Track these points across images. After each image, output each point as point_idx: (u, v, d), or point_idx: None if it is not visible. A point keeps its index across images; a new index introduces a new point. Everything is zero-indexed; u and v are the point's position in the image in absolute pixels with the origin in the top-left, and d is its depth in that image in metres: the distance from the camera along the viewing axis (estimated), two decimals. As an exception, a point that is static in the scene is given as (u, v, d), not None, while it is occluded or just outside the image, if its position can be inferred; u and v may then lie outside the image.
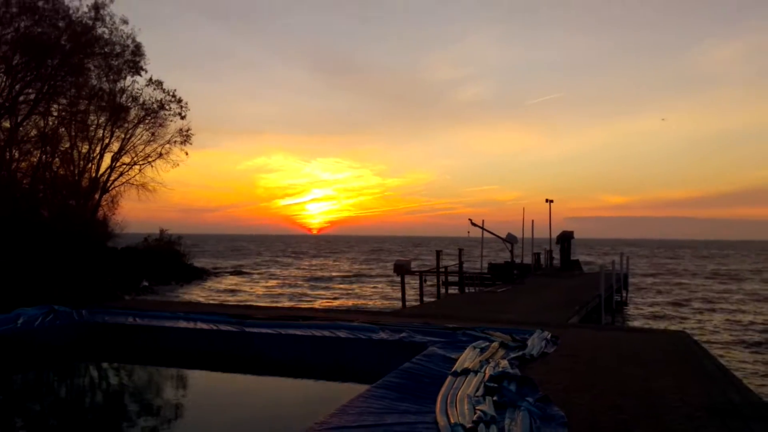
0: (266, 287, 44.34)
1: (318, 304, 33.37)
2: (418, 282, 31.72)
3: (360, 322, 12.28)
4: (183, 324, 12.32)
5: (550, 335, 10.93)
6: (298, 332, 11.61)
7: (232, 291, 40.69)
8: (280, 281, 49.75)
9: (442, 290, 34.70)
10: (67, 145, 35.57)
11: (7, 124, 31.79)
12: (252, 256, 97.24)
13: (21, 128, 32.38)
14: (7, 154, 32.80)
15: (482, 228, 36.83)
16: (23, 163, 34.91)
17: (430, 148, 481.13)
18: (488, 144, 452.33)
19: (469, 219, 36.61)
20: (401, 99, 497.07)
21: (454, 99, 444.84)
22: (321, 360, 10.98)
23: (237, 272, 58.22)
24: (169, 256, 46.04)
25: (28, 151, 34.72)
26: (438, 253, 36.03)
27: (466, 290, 32.37)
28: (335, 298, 36.97)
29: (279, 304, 32.51)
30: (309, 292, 41.18)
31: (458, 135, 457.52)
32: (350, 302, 35.05)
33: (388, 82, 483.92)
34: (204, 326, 12.13)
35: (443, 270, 35.54)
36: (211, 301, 32.65)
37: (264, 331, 11.72)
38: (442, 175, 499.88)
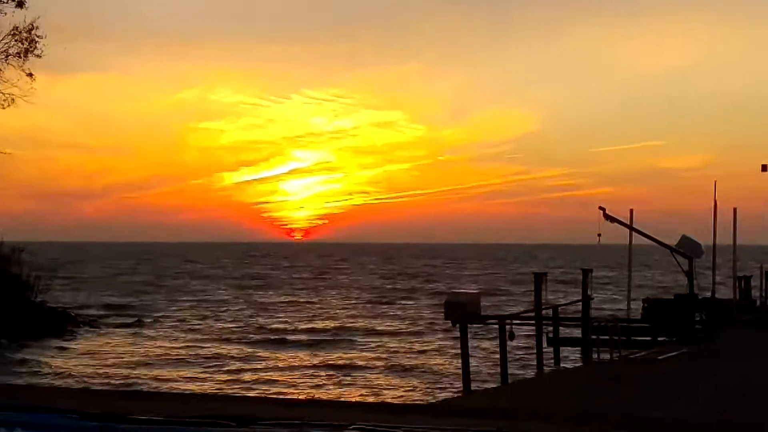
0: (179, 351, 44.50)
1: (277, 388, 33.12)
2: (497, 339, 30.95)
3: (355, 430, 11.68)
4: None
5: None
6: (223, 454, 11.11)
7: (112, 359, 40.88)
8: (209, 338, 50.01)
9: (547, 356, 34.33)
10: None
11: None
12: (164, 286, 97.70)
13: None
14: None
15: (628, 226, 36.07)
16: None
17: (529, 64, 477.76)
18: (645, 59, 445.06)
19: (601, 208, 35.69)
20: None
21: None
22: None
23: (130, 320, 58.40)
24: (0, 286, 46.37)
25: None
26: (539, 279, 35.70)
27: (596, 356, 31.67)
28: (315, 378, 36.59)
29: (195, 388, 32.27)
30: (263, 360, 41.18)
31: (586, 39, 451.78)
32: (347, 385, 34.69)
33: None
34: None
35: (548, 314, 35.21)
36: (63, 382, 32.57)
37: None
38: (551, 120, 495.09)
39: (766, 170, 42.74)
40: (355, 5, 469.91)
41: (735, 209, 40.92)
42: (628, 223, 36.22)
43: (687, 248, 36.42)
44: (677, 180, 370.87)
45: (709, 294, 38.14)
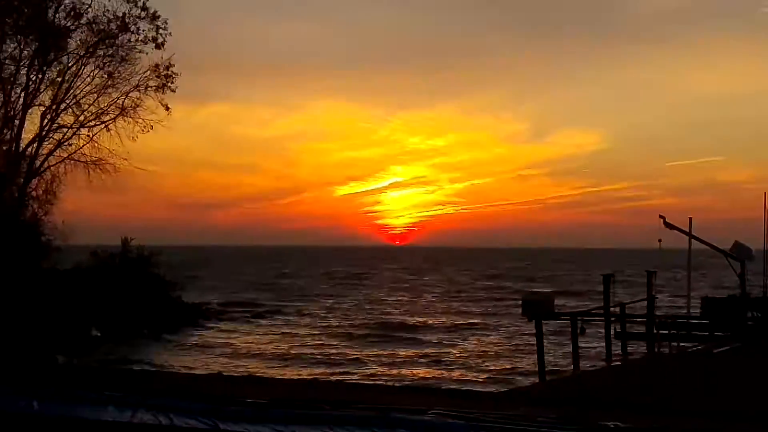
0: (293, 340, 44.84)
1: (373, 373, 33.21)
2: (569, 333, 31.25)
3: (434, 414, 11.48)
4: (111, 414, 11.93)
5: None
6: (316, 434, 10.84)
7: (231, 348, 41.27)
8: (319, 330, 50.12)
9: (615, 349, 34.02)
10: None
11: None
12: (281, 284, 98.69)
13: None
14: None
15: (687, 233, 35.22)
16: None
17: (599, 91, 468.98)
18: (704, 83, 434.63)
19: (661, 216, 35.06)
20: (546, 6, 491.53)
21: (643, 3, 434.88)
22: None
23: (253, 313, 59.20)
24: (143, 285, 46.83)
25: None
26: (608, 280, 35.58)
27: (660, 350, 31.12)
28: (401, 363, 36.49)
29: (299, 374, 32.32)
30: (364, 350, 40.96)
31: (649, 67, 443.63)
32: (431, 372, 34.30)
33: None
34: (148, 418, 11.68)
35: (616, 311, 34.78)
36: (184, 369, 32.73)
37: (254, 430, 11.08)
38: (621, 139, 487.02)
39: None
40: (444, 44, 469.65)
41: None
42: (687, 230, 35.55)
43: (739, 253, 35.77)
44: (733, 192, 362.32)
45: (761, 294, 37.23)
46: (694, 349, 29.95)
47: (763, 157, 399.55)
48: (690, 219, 35.98)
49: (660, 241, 35.92)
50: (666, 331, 32.32)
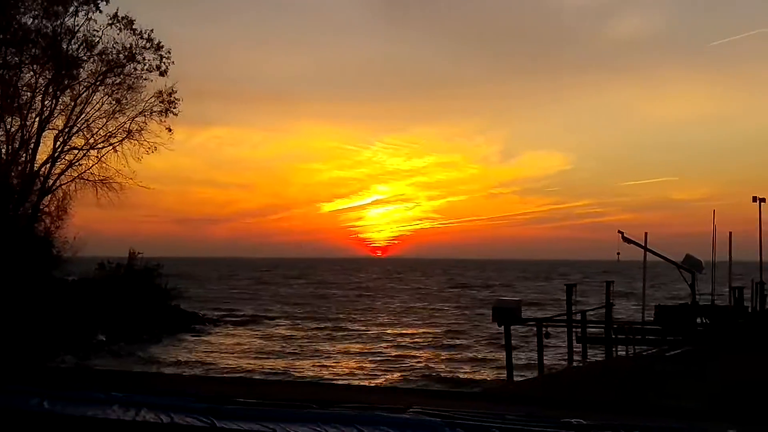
0: (284, 345, 44.52)
1: (358, 378, 32.45)
2: (535, 338, 31.15)
3: (413, 413, 11.45)
4: (116, 413, 11.87)
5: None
6: (304, 430, 10.79)
7: (225, 351, 41.09)
8: (308, 335, 49.68)
9: (577, 353, 33.82)
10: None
11: None
12: (275, 295, 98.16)
13: None
14: None
15: (643, 247, 35.30)
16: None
17: (562, 117, 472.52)
18: (657, 110, 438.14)
19: (620, 232, 35.14)
20: (515, 40, 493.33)
21: (602, 38, 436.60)
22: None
23: (240, 320, 58.74)
24: (145, 294, 46.55)
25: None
26: (570, 289, 35.48)
27: (617, 353, 31.18)
28: (386, 370, 35.37)
29: (291, 377, 31.88)
30: (348, 357, 40.22)
31: (608, 95, 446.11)
32: (409, 375, 33.49)
33: (494, 14, 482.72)
34: (150, 417, 11.65)
35: (577, 318, 34.64)
36: (186, 370, 32.67)
37: (248, 427, 11.02)
38: (583, 161, 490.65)
39: (756, 201, 41.63)
40: (423, 74, 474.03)
41: (730, 233, 39.85)
42: (643, 244, 35.64)
43: (690, 265, 35.88)
44: (685, 209, 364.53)
45: (709, 301, 37.34)
46: (648, 352, 30.03)
47: (713, 177, 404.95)
48: (646, 234, 36.13)
49: (618, 254, 35.98)
50: (623, 336, 32.33)
